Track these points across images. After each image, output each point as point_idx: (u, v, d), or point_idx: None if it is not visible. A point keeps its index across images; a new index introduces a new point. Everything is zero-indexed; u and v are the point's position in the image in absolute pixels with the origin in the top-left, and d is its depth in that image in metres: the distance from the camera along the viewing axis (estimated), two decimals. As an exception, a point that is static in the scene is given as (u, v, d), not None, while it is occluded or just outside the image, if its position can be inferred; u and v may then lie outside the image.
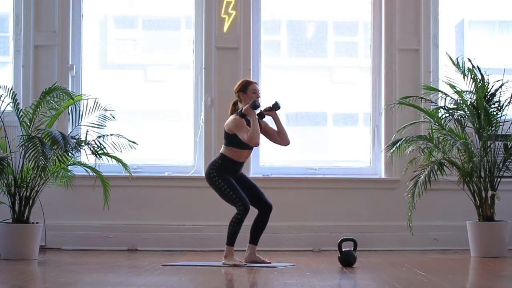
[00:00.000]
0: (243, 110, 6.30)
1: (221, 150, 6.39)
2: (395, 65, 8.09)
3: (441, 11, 8.18)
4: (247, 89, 6.39)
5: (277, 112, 6.48)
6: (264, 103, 6.52)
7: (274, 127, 6.51)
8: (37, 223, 6.91)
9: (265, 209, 6.41)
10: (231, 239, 6.27)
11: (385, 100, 8.05)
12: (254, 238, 6.41)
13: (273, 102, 6.46)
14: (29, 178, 6.85)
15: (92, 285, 5.29)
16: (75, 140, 6.98)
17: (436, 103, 7.51)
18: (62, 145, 6.69)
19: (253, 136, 6.24)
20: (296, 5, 8.31)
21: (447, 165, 7.20)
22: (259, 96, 6.39)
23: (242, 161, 6.40)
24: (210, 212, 7.68)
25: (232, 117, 6.35)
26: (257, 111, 6.35)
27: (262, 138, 6.46)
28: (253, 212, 6.38)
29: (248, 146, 6.33)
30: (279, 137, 6.51)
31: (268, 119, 6.56)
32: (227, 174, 6.31)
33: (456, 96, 7.32)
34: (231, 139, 6.33)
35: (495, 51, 8.34)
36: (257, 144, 6.31)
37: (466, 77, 7.31)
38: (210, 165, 6.37)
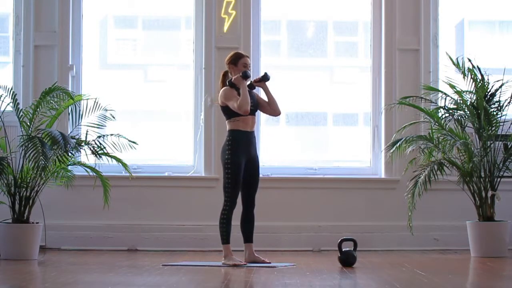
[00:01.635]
0: (232, 80, 6.34)
1: (227, 127, 6.40)
2: (395, 65, 8.09)
3: (441, 11, 8.18)
4: (238, 62, 6.41)
5: (266, 83, 6.50)
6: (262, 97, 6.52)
7: (265, 98, 6.54)
8: (37, 223, 6.91)
9: (248, 206, 6.42)
10: (225, 238, 6.30)
11: (385, 100, 8.05)
12: (247, 236, 6.43)
13: (263, 73, 6.49)
14: (29, 178, 6.85)
15: (92, 285, 5.29)
16: (75, 140, 6.98)
17: (436, 103, 7.51)
18: (62, 145, 6.69)
19: (243, 104, 6.25)
20: (296, 5, 8.31)
21: (447, 165, 7.20)
22: (249, 70, 6.41)
23: (250, 129, 6.39)
24: (210, 212, 7.66)
25: (222, 89, 6.41)
26: (247, 82, 6.37)
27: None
28: (238, 212, 6.39)
29: (250, 112, 6.33)
30: (270, 108, 6.53)
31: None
32: (240, 152, 6.30)
33: (456, 96, 7.32)
34: (229, 111, 6.36)
35: (495, 51, 8.34)
36: (247, 112, 6.28)
37: (466, 77, 7.31)
38: (224, 145, 6.37)
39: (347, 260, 6.27)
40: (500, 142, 7.27)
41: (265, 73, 6.49)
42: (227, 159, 6.30)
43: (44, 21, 7.99)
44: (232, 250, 6.33)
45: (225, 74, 6.52)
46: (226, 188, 6.31)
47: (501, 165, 7.21)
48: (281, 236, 7.87)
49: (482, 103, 7.14)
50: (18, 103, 7.02)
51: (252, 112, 6.39)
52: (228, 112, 6.37)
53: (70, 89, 7.73)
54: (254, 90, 6.55)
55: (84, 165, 7.14)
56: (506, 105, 7.30)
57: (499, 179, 7.23)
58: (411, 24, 8.12)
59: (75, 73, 8.03)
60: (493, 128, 7.19)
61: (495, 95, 7.27)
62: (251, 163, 6.38)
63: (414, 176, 7.16)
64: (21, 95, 7.80)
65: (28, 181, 6.86)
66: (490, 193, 7.15)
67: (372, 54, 8.21)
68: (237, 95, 6.32)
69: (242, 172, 6.31)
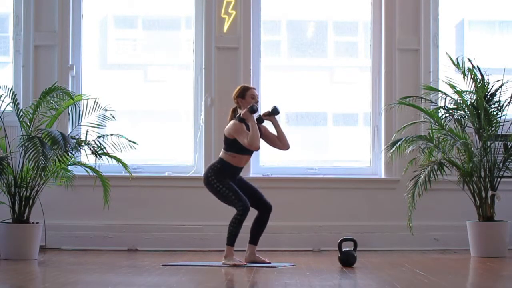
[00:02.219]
0: (241, 115, 6.31)
1: (221, 154, 6.39)
2: (395, 65, 8.09)
3: (441, 11, 8.18)
4: (246, 95, 6.40)
5: (276, 117, 6.49)
6: (264, 105, 6.52)
7: (274, 132, 6.52)
8: (37, 223, 6.91)
9: (264, 210, 6.41)
10: (232, 239, 6.27)
11: (385, 100, 8.05)
12: (254, 238, 6.42)
13: (272, 107, 6.46)
14: (29, 178, 6.85)
15: (92, 285, 5.29)
16: (75, 140, 6.98)
17: (436, 103, 7.51)
18: (62, 145, 6.69)
19: (253, 140, 6.25)
20: (296, 5, 8.31)
21: (447, 165, 7.20)
22: (257, 101, 6.41)
23: (241, 166, 6.41)
24: (210, 212, 7.68)
25: (232, 122, 6.37)
26: (256, 116, 6.35)
27: (262, 144, 6.46)
28: (253, 212, 6.39)
29: (248, 152, 6.34)
30: (279, 142, 6.52)
31: (267, 124, 6.56)
32: (225, 178, 6.32)
33: (456, 96, 7.32)
34: (231, 144, 6.33)
35: (495, 51, 8.34)
36: (257, 148, 6.31)
37: (466, 77, 7.31)
38: (209, 169, 6.38)
39: (347, 260, 6.27)
40: (500, 142, 7.27)
41: (275, 107, 6.46)
42: (213, 180, 6.30)
43: (44, 21, 7.99)
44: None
45: (234, 110, 6.47)
46: (231, 199, 6.28)
47: (501, 165, 7.22)
48: (281, 236, 7.87)
49: (482, 103, 7.14)
50: (18, 103, 7.02)
51: (251, 153, 6.39)
52: (231, 145, 6.34)
53: (70, 89, 7.74)
54: (263, 124, 6.52)
55: (84, 165, 7.14)
56: (506, 105, 7.30)
57: (499, 179, 7.23)
58: (411, 24, 8.12)
59: (75, 73, 8.03)
60: (493, 128, 7.19)
61: (495, 95, 7.27)
62: (237, 181, 6.40)
63: (414, 176, 7.16)
64: (21, 95, 7.80)
65: (28, 181, 6.86)
66: (490, 193, 7.15)
67: (372, 54, 8.21)
68: (246, 130, 6.30)
69: (232, 184, 6.32)
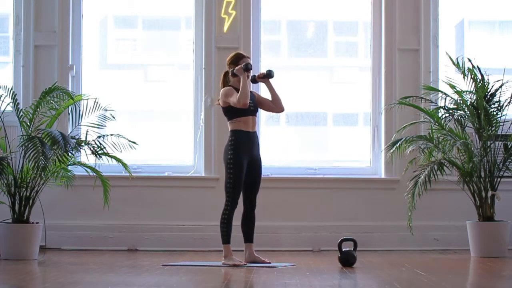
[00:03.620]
0: (234, 70, 6.33)
1: (229, 128, 6.40)
2: (395, 65, 8.09)
3: (441, 11, 8.18)
4: (239, 62, 6.41)
5: (270, 80, 6.50)
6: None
7: (267, 96, 6.53)
8: (37, 223, 6.91)
9: (248, 207, 6.43)
10: (226, 238, 6.30)
11: (385, 100, 8.05)
12: (248, 236, 6.43)
13: (267, 70, 6.50)
14: (29, 178, 6.85)
15: (92, 285, 5.29)
16: (75, 140, 6.98)
17: (436, 103, 7.51)
18: (62, 145, 6.69)
19: (241, 96, 6.24)
20: (296, 5, 8.31)
21: (447, 165, 7.20)
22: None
23: (251, 129, 6.38)
24: (210, 212, 7.67)
25: (223, 89, 6.41)
26: (250, 77, 6.38)
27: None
28: (239, 212, 6.39)
29: (250, 112, 6.34)
30: (273, 104, 6.53)
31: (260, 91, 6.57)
32: (242, 152, 6.30)
33: (456, 96, 7.32)
34: (230, 111, 6.36)
35: (495, 51, 8.34)
36: (245, 105, 6.25)
37: (466, 77, 7.31)
38: (226, 146, 6.36)
39: (347, 260, 6.27)
40: (500, 142, 7.27)
41: (270, 70, 6.49)
42: (230, 159, 6.30)
43: (44, 21, 7.99)
44: (232, 250, 6.33)
45: (225, 75, 6.52)
46: (227, 188, 6.31)
47: (501, 165, 7.21)
48: (281, 236, 7.86)
49: (482, 103, 7.14)
50: (18, 103, 7.02)
51: (253, 112, 6.39)
52: (230, 113, 6.37)
53: (70, 89, 7.73)
54: (254, 87, 6.54)
55: (84, 165, 7.13)
56: (506, 105, 7.30)
57: (499, 179, 7.23)
58: (411, 24, 8.12)
59: (75, 73, 8.03)
60: (493, 128, 7.19)
61: (495, 95, 7.27)
62: (253, 164, 6.38)
63: (414, 176, 7.16)
64: (21, 95, 7.80)
65: (28, 181, 6.86)
66: (490, 193, 7.15)
67: (372, 54, 8.21)
68: (237, 92, 6.32)
69: (244, 173, 6.31)
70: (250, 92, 6.42)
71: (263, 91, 6.94)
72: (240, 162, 6.29)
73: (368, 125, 8.22)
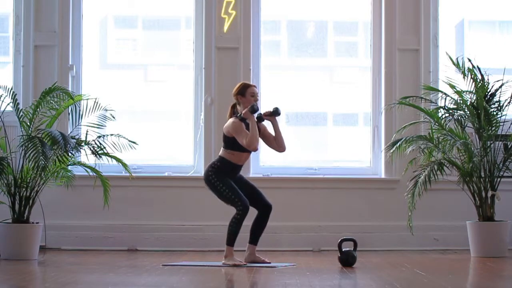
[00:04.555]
0: (242, 114, 6.31)
1: (220, 153, 6.40)
2: (395, 65, 8.09)
3: (441, 11, 8.18)
4: (246, 92, 6.39)
5: (276, 118, 6.49)
6: (264, 104, 6.51)
7: (272, 132, 6.52)
8: (37, 223, 6.91)
9: (264, 209, 6.41)
10: (231, 239, 6.27)
11: (385, 100, 8.05)
12: (254, 238, 6.41)
13: (274, 108, 6.46)
14: (29, 178, 6.85)
15: (92, 285, 5.29)
16: (75, 140, 6.98)
17: (436, 103, 7.51)
18: (62, 145, 6.69)
19: (252, 141, 6.24)
20: (296, 5, 8.31)
21: (447, 165, 7.20)
22: (257, 99, 6.41)
23: (241, 164, 6.41)
24: (210, 212, 7.68)
25: (231, 120, 6.36)
26: (256, 114, 6.35)
27: (261, 143, 6.45)
28: (253, 212, 6.39)
29: (247, 149, 6.33)
30: (276, 143, 6.51)
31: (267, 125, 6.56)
32: (226, 176, 6.32)
33: (456, 96, 7.32)
34: (230, 142, 6.33)
35: (495, 51, 8.34)
36: (255, 149, 6.31)
37: (466, 77, 7.31)
38: (209, 167, 6.37)
39: (347, 260, 6.27)
40: (500, 142, 7.27)
41: (276, 108, 6.45)
42: (213, 179, 6.30)
43: (44, 21, 7.99)
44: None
45: (233, 106, 6.47)
46: (230, 198, 6.27)
47: (501, 165, 7.21)
48: (281, 236, 7.87)
49: (482, 103, 7.14)
50: (18, 103, 7.02)
51: (249, 151, 6.38)
52: (230, 143, 6.34)
53: (70, 89, 7.73)
54: (263, 123, 6.52)
55: (84, 165, 7.13)
56: (506, 105, 7.30)
57: (499, 179, 7.23)
58: (411, 24, 8.12)
59: (75, 73, 8.03)
60: (493, 128, 7.19)
61: (495, 95, 7.27)
62: (237, 179, 6.40)
63: (414, 176, 7.16)
64: (21, 95, 7.80)
65: (28, 181, 6.86)
66: (490, 193, 7.15)
67: (372, 54, 8.21)
68: (246, 129, 6.29)
69: (232, 182, 6.32)
70: (257, 125, 6.39)
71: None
72: (225, 179, 6.30)
73: (368, 125, 8.23)
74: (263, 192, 6.50)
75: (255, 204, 6.40)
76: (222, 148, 6.40)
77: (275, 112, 6.45)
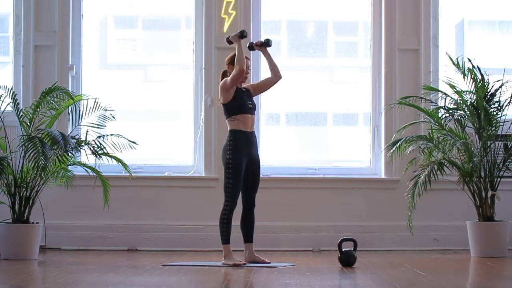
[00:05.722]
0: (230, 37, 6.42)
1: (228, 127, 6.40)
2: (395, 65, 8.09)
3: (441, 11, 8.18)
4: None
5: (267, 49, 6.56)
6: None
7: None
8: (37, 223, 6.91)
9: (247, 207, 6.43)
10: (225, 238, 6.30)
11: (385, 100, 8.05)
12: (247, 236, 6.43)
13: (266, 38, 6.57)
14: (29, 178, 6.85)
15: (92, 285, 5.29)
16: (75, 140, 6.98)
17: (436, 103, 7.51)
18: (62, 145, 6.69)
19: (238, 62, 6.30)
20: (296, 5, 8.31)
21: (447, 165, 7.20)
22: (248, 72, 6.47)
23: (249, 129, 6.38)
24: (210, 212, 7.66)
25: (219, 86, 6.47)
26: (248, 45, 6.46)
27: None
28: (238, 212, 6.40)
29: (248, 110, 6.35)
30: (271, 72, 6.60)
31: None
32: (241, 153, 6.29)
33: (456, 96, 7.32)
34: (229, 108, 6.37)
35: (495, 51, 8.34)
36: (242, 69, 6.30)
37: (466, 77, 7.31)
38: (224, 146, 6.36)
39: (347, 260, 6.27)
40: (500, 142, 7.27)
41: (268, 39, 6.56)
42: (229, 159, 6.30)
43: (44, 21, 7.99)
44: (232, 250, 6.33)
45: (224, 73, 6.52)
46: (226, 188, 6.31)
47: (501, 165, 7.21)
48: (281, 236, 7.86)
49: (482, 103, 7.14)
50: (18, 103, 7.02)
51: (251, 111, 6.41)
52: (229, 108, 6.37)
53: (70, 89, 7.73)
54: (249, 84, 6.56)
55: (84, 165, 7.13)
56: (506, 105, 7.30)
57: (499, 179, 7.23)
58: (411, 24, 8.12)
59: (75, 73, 8.03)
60: (493, 128, 7.19)
61: (495, 95, 7.27)
62: (252, 164, 6.38)
63: (414, 176, 7.16)
64: (21, 95, 7.80)
65: (28, 181, 6.86)
66: (490, 193, 7.15)
67: (372, 54, 8.21)
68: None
69: (243, 173, 6.32)
70: (245, 89, 6.44)
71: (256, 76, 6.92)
72: (239, 162, 6.29)
73: (368, 125, 8.22)
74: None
75: (243, 198, 6.41)
76: (226, 122, 6.40)
77: (267, 43, 6.55)
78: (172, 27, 8.45)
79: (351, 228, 7.82)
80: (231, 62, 6.44)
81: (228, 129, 6.40)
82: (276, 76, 6.60)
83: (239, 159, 6.29)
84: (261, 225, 6.94)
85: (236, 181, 6.29)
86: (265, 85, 6.65)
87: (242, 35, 6.39)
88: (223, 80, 6.43)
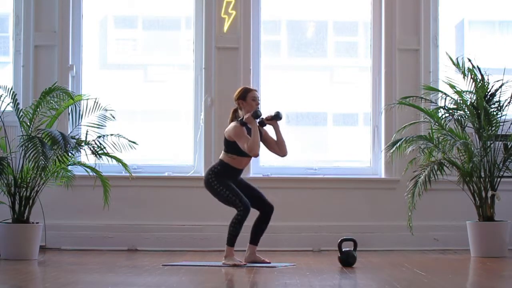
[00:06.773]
0: (244, 119, 6.29)
1: (221, 156, 6.39)
2: (395, 65, 8.09)
3: (441, 11, 8.18)
4: (247, 97, 6.38)
5: (278, 122, 6.47)
6: (264, 106, 6.49)
7: (274, 136, 6.51)
8: (37, 223, 6.91)
9: (266, 211, 6.41)
10: (232, 240, 6.27)
11: (385, 100, 8.05)
12: (255, 239, 6.41)
13: (275, 112, 6.45)
14: (29, 178, 6.85)
15: (92, 285, 5.29)
16: (75, 140, 6.98)
17: (436, 103, 7.52)
18: (62, 145, 6.69)
19: (253, 146, 6.23)
20: (296, 5, 8.32)
21: (447, 165, 7.20)
22: (258, 103, 6.39)
23: (242, 168, 6.40)
24: (210, 212, 7.68)
25: (232, 124, 6.34)
26: (258, 120, 6.34)
27: (262, 148, 6.44)
28: (254, 213, 6.38)
29: (248, 154, 6.32)
30: (277, 147, 6.50)
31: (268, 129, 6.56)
32: (226, 179, 6.31)
33: (456, 96, 7.33)
34: (231, 146, 6.33)
35: (495, 51, 8.34)
36: (256, 155, 6.29)
37: (466, 77, 7.31)
38: (209, 171, 6.37)
39: (347, 260, 6.27)
40: (500, 142, 7.27)
41: (278, 112, 6.43)
42: (213, 181, 6.30)
43: (44, 21, 7.99)
44: (233, 250, 6.32)
45: (234, 111, 6.46)
46: (230, 200, 6.27)
47: (501, 165, 7.22)
48: (281, 236, 7.86)
49: (482, 103, 7.14)
50: (18, 103, 7.02)
51: (249, 156, 6.37)
52: (231, 147, 6.33)
53: (70, 89, 7.74)
54: (265, 127, 6.51)
55: (84, 165, 7.14)
56: (506, 105, 7.30)
57: (499, 179, 7.23)
58: (411, 24, 8.13)
59: (75, 73, 8.03)
60: (493, 128, 7.19)
61: (495, 95, 7.27)
62: (238, 181, 6.40)
63: (414, 176, 7.16)
64: (21, 95, 7.80)
65: (28, 181, 6.86)
66: (490, 193, 7.15)
67: (372, 54, 8.21)
68: (247, 134, 6.28)
69: (231, 183, 6.31)
70: (258, 128, 6.38)
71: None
72: (225, 181, 6.29)
73: (368, 125, 8.23)
74: (263, 192, 6.49)
75: (256, 205, 6.40)
76: (222, 151, 6.39)
77: (277, 116, 6.43)
78: (172, 27, 8.45)
79: (351, 228, 7.82)
80: (240, 97, 6.38)
81: (220, 157, 6.39)
82: (281, 152, 6.50)
83: (225, 181, 6.29)
84: (261, 225, 6.94)
85: (231, 189, 6.26)
86: (270, 147, 6.53)
87: (257, 115, 6.24)
88: (238, 128, 6.26)
